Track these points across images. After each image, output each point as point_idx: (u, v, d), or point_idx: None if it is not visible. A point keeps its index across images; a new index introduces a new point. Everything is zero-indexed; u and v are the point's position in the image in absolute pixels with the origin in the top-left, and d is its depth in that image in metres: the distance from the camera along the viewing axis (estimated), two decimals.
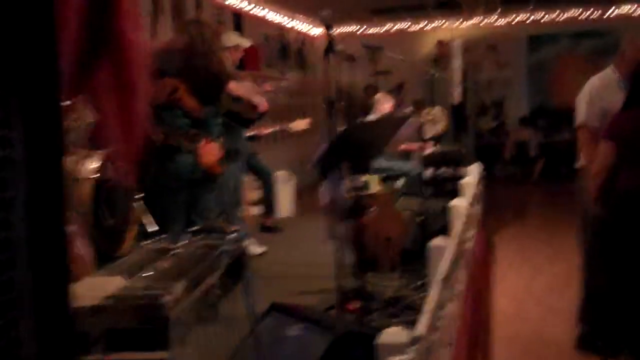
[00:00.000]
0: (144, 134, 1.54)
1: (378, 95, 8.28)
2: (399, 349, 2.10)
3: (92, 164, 5.66)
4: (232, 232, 2.28)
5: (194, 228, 2.32)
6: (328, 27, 4.11)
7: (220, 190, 5.04)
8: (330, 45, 4.08)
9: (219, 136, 4.61)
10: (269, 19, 12.07)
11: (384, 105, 8.00)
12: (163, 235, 2.26)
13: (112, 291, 1.64)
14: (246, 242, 6.46)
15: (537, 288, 5.98)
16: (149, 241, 2.23)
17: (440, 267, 3.28)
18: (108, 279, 1.76)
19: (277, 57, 12.60)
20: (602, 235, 4.24)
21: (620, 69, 4.43)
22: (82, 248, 1.83)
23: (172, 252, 2.04)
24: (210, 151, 4.49)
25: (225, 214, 6.12)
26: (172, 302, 1.59)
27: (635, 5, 13.60)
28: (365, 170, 5.77)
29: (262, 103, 6.10)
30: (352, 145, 4.46)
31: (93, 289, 1.67)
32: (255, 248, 6.65)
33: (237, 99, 5.76)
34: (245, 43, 6.56)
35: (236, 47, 6.51)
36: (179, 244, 2.13)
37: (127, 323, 1.59)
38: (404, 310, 4.52)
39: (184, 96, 4.41)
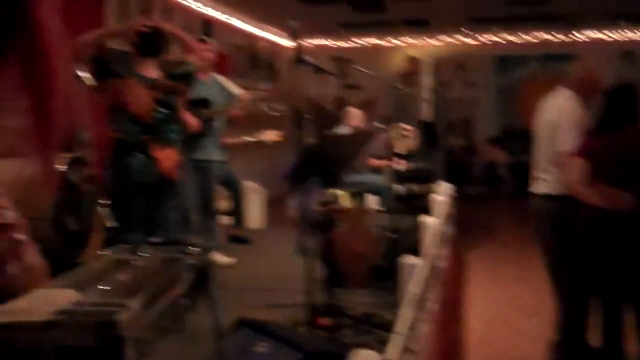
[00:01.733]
0: (62, 140, 1.35)
1: (351, 110, 8.20)
2: None
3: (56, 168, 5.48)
4: (196, 245, 2.13)
5: (155, 240, 2.17)
6: (296, 38, 4.01)
7: (182, 200, 4.89)
8: (298, 56, 3.98)
9: (176, 142, 4.47)
10: (239, 28, 11.95)
11: (354, 119, 7.92)
12: (123, 245, 2.11)
13: (64, 305, 1.48)
14: (214, 254, 6.35)
15: (506, 309, 5.90)
16: (107, 251, 2.07)
17: (412, 286, 3.16)
18: (60, 291, 1.60)
19: (246, 67, 12.47)
20: (580, 261, 4.22)
21: (580, 93, 4.44)
22: (33, 258, 1.66)
23: (130, 264, 1.88)
24: (166, 157, 4.36)
25: (188, 225, 5.95)
26: (128, 319, 1.44)
27: (600, 30, 13.79)
28: (336, 183, 5.66)
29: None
30: (322, 159, 4.35)
31: (44, 302, 1.52)
32: (223, 259, 6.50)
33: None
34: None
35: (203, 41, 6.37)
36: (139, 255, 1.98)
37: (78, 341, 1.43)
38: (375, 328, 4.40)
39: (131, 99, 4.28)
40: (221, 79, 6.70)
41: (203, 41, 6.42)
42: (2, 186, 1.78)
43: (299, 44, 4.02)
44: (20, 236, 1.67)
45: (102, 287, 1.68)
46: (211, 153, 6.19)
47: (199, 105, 5.96)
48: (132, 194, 4.36)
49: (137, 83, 4.32)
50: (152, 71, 4.44)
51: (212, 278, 2.27)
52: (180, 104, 4.55)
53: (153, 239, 2.26)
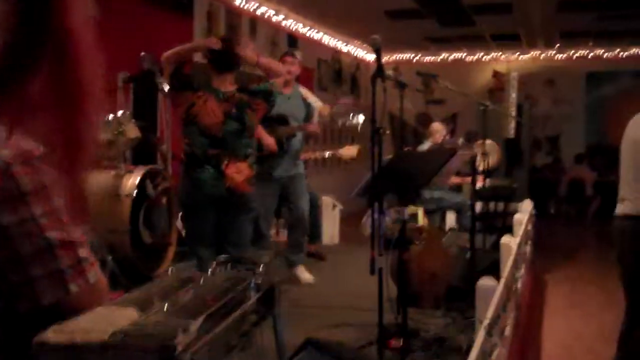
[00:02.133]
0: (93, 159, 1.28)
1: (435, 125, 8.11)
2: None
3: (133, 181, 5.57)
4: (262, 264, 2.11)
5: (223, 257, 2.16)
6: (377, 52, 3.97)
7: (256, 215, 4.87)
8: (379, 69, 3.94)
9: (248, 157, 4.48)
10: (324, 43, 12.00)
11: (437, 134, 7.83)
12: (191, 261, 2.11)
13: (122, 326, 1.48)
14: (298, 268, 6.35)
15: (587, 335, 5.68)
16: (175, 267, 2.08)
17: (488, 311, 3.08)
18: (121, 310, 1.60)
19: (330, 81, 12.51)
20: None
21: None
22: (95, 276, 1.68)
23: (196, 282, 1.87)
24: (237, 171, 4.38)
25: (262, 240, 5.93)
26: (186, 342, 1.42)
27: None
28: (413, 200, 5.58)
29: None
30: (400, 175, 4.29)
31: (103, 321, 1.52)
32: (304, 275, 6.47)
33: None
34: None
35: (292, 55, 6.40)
36: (206, 273, 1.98)
37: None
38: (448, 351, 4.30)
39: (201, 112, 4.34)
40: (303, 90, 6.72)
41: (289, 54, 6.46)
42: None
43: (378, 57, 3.98)
44: (84, 253, 1.68)
45: (164, 307, 1.67)
46: (291, 168, 6.19)
47: (276, 122, 5.97)
48: (202, 207, 4.39)
49: (208, 96, 4.38)
50: (228, 85, 4.48)
51: (278, 297, 2.26)
52: (256, 119, 4.56)
53: (222, 257, 2.26)
